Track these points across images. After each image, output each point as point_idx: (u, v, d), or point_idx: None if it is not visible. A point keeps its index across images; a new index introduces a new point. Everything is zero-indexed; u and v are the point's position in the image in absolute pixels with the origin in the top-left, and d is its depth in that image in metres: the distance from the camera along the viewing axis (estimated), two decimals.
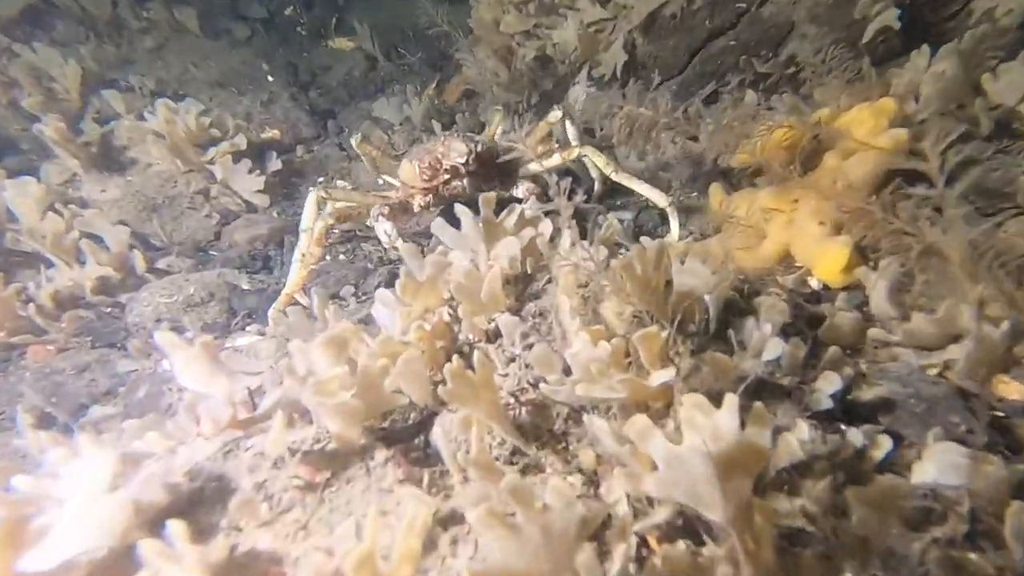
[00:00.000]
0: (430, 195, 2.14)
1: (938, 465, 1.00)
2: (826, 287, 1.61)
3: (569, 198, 2.67)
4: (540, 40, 3.18)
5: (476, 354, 0.97)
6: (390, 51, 4.41)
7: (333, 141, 3.83)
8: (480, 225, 1.43)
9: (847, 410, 1.25)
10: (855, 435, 1.06)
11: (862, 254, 1.61)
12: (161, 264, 2.77)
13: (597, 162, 2.20)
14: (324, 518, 0.97)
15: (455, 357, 0.98)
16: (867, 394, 1.24)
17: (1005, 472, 0.98)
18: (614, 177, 2.14)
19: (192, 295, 2.28)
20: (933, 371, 1.33)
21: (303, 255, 2.09)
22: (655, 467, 0.81)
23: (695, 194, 2.49)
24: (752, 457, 0.80)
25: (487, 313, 1.33)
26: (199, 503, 1.00)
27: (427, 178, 2.06)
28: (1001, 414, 1.24)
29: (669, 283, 1.40)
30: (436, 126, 3.56)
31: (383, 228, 2.00)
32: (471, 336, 1.34)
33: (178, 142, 3.01)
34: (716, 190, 2.19)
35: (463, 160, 2.04)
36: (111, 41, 4.07)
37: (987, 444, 1.11)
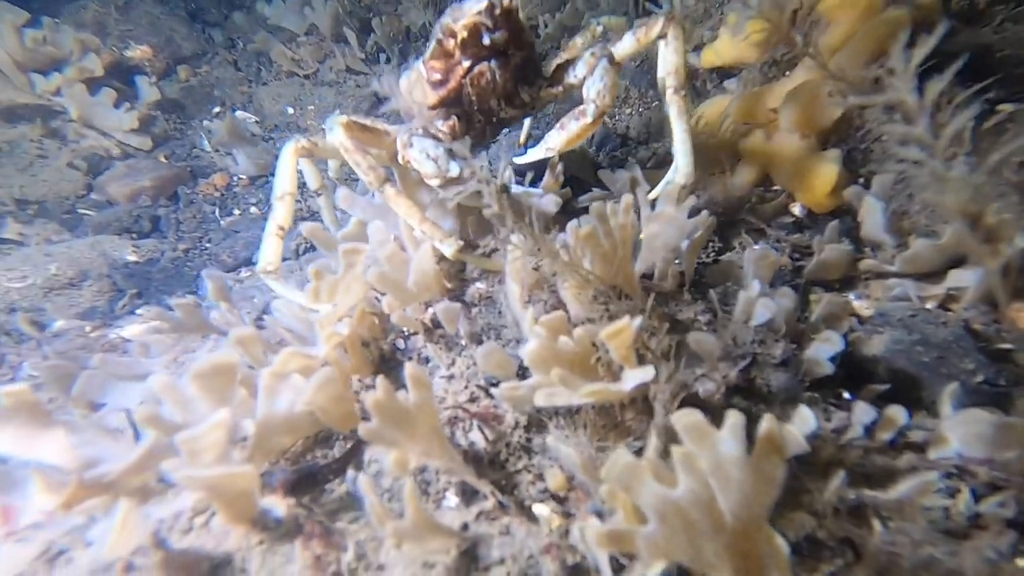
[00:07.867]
0: (453, 114, 1.38)
1: (961, 437, 0.85)
2: (811, 213, 1.40)
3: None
4: None
5: (407, 368, 0.75)
6: None
7: (224, 57, 3.02)
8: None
9: (844, 363, 1.10)
10: (863, 410, 0.90)
11: (851, 170, 1.39)
12: (9, 233, 2.13)
13: (672, 55, 1.31)
14: None
15: (380, 380, 0.74)
16: (870, 347, 1.08)
17: None
18: (673, 91, 1.32)
19: (55, 275, 1.74)
20: (932, 303, 1.18)
21: (280, 228, 1.41)
22: (641, 515, 0.63)
23: (656, 104, 2.18)
24: (764, 491, 0.62)
25: (420, 300, 1.09)
26: None
27: (440, 76, 1.33)
28: (1009, 346, 1.11)
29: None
30: (351, 36, 2.66)
31: (422, 151, 1.20)
32: (406, 330, 1.11)
33: (2, 66, 2.32)
34: None
35: (482, 9, 1.20)
36: None
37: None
